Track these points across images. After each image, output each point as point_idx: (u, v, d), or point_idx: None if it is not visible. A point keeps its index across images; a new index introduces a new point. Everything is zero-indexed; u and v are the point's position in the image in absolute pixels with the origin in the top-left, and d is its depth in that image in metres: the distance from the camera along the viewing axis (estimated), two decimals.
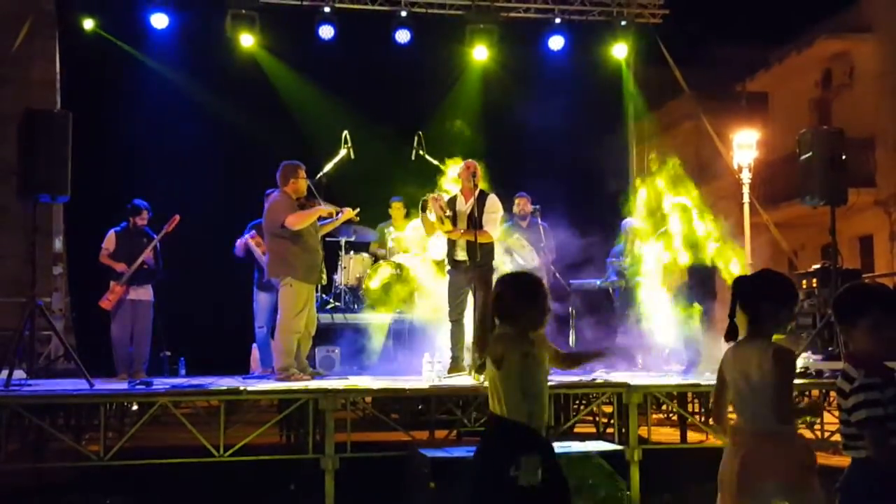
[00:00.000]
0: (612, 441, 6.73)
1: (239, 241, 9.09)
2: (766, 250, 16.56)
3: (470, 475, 3.55)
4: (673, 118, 22.99)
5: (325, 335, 8.83)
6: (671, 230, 8.51)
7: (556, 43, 11.83)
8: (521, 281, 3.72)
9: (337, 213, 7.89)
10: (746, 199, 16.03)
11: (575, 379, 7.31)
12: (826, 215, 8.60)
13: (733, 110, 19.39)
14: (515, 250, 9.08)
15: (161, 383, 7.12)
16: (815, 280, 12.37)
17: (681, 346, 8.87)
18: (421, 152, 8.99)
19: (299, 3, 11.32)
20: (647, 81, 13.06)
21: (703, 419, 8.23)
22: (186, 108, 10.41)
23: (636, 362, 9.46)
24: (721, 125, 15.22)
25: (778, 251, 14.53)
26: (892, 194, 17.36)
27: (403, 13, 11.46)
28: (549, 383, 7.03)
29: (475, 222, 7.52)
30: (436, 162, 8.91)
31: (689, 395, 8.67)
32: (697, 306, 8.39)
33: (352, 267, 9.60)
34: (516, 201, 9.53)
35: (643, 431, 7.12)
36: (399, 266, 9.39)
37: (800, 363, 8.06)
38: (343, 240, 9.51)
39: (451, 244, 7.77)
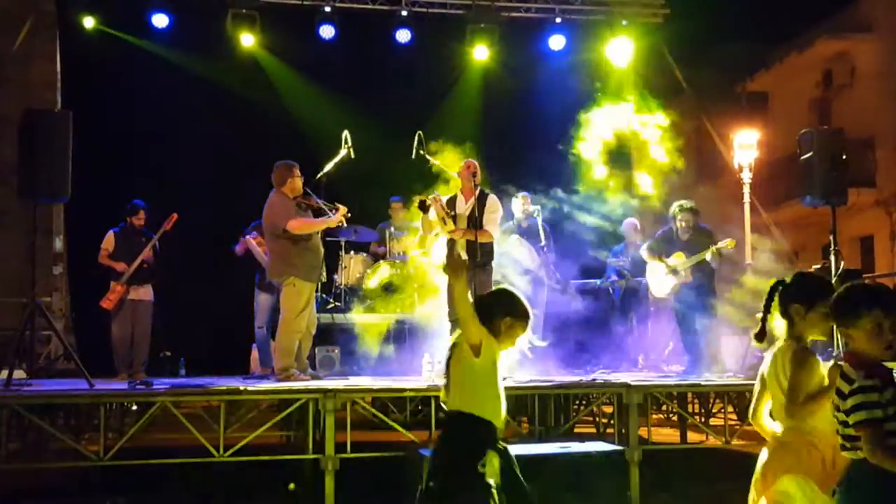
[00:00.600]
0: (612, 441, 6.73)
1: (240, 240, 9.07)
2: (767, 250, 16.57)
3: (436, 470, 3.55)
4: (673, 118, 22.98)
5: (324, 335, 8.83)
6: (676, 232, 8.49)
7: (556, 42, 11.82)
8: (512, 298, 3.87)
9: (333, 211, 7.90)
10: (747, 199, 16.02)
11: (575, 379, 7.32)
12: (826, 215, 8.61)
13: (734, 110, 19.39)
14: (514, 251, 9.08)
15: (161, 383, 7.12)
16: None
17: (681, 347, 8.87)
18: (421, 152, 8.98)
19: (300, 2, 11.31)
20: (647, 81, 13.05)
21: (702, 420, 8.23)
22: (187, 107, 10.40)
23: (636, 363, 9.48)
24: (721, 125, 15.22)
25: (778, 251, 14.52)
26: (892, 194, 17.36)
27: (404, 13, 11.46)
28: (549, 384, 7.07)
29: (475, 222, 7.51)
30: (436, 162, 8.90)
31: (690, 395, 8.68)
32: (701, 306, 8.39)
33: (352, 267, 9.60)
34: (519, 200, 9.51)
35: (643, 432, 7.12)
36: (398, 266, 9.39)
37: None
38: (343, 240, 9.51)
39: (451, 244, 7.76)
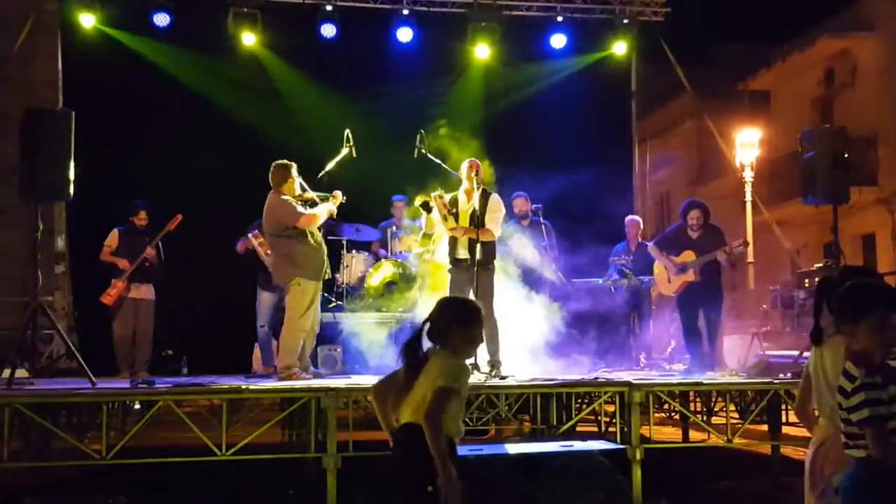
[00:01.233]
0: (613, 440, 6.73)
1: (242, 239, 9.05)
2: (769, 249, 16.58)
3: (395, 485, 3.55)
4: (675, 117, 23.01)
5: (327, 334, 8.82)
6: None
7: (558, 41, 11.81)
8: (457, 305, 3.80)
9: (327, 201, 7.92)
10: (749, 197, 16.06)
11: (577, 378, 7.31)
12: (828, 214, 8.60)
13: (735, 109, 19.38)
14: (516, 250, 9.08)
15: (163, 382, 7.12)
16: (817, 279, 12.40)
17: (684, 345, 8.87)
18: (423, 150, 8.99)
19: (301, 1, 11.31)
20: (649, 80, 13.06)
21: (704, 418, 8.22)
22: (188, 106, 10.41)
23: (638, 361, 9.48)
24: (723, 124, 15.21)
25: (780, 250, 14.52)
26: (894, 192, 17.34)
27: (405, 11, 11.46)
28: (551, 382, 7.07)
29: (477, 221, 7.51)
30: (438, 160, 8.91)
31: (692, 394, 8.67)
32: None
33: (354, 265, 9.59)
34: (514, 202, 9.51)
35: (645, 430, 7.11)
36: (401, 265, 9.39)
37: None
38: (345, 238, 9.51)
39: (453, 243, 7.77)
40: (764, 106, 21.52)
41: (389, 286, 9.27)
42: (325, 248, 7.78)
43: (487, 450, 5.64)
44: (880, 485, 3.01)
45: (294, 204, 7.55)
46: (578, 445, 5.92)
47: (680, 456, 7.73)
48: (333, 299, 9.38)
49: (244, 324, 9.16)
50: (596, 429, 8.39)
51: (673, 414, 9.61)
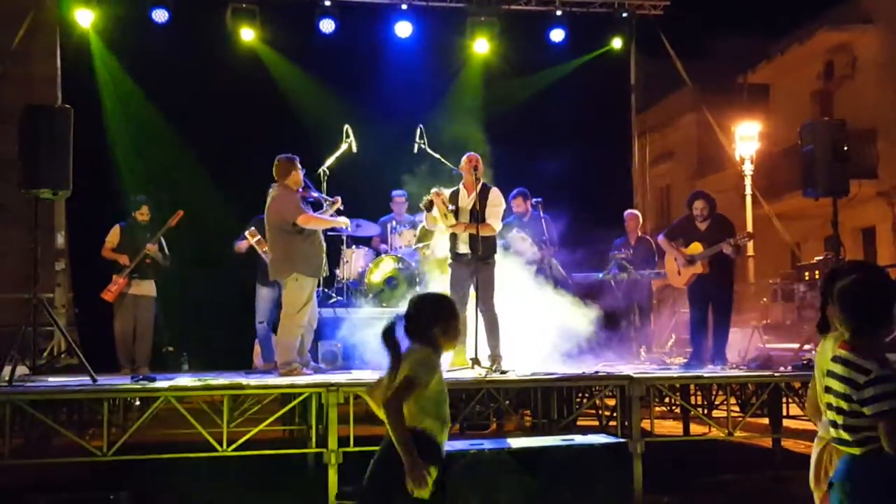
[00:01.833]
0: (614, 434, 6.73)
1: (239, 242, 9.02)
2: (769, 242, 16.57)
3: (377, 483, 3.58)
4: (674, 110, 23.00)
5: (327, 329, 8.83)
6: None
7: (557, 35, 11.79)
8: (437, 302, 3.78)
9: (327, 203, 7.91)
10: (749, 190, 16.05)
11: (578, 372, 7.32)
12: (828, 207, 8.60)
13: (735, 102, 19.38)
14: (515, 245, 9.08)
15: (164, 378, 7.12)
16: (817, 272, 12.40)
17: (688, 338, 8.86)
18: (422, 145, 8.98)
19: None
20: (648, 74, 13.04)
21: (705, 412, 8.23)
22: (187, 102, 10.39)
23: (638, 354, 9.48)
24: (723, 117, 15.20)
25: (780, 243, 14.52)
26: (894, 185, 17.34)
27: (404, 6, 11.43)
28: (552, 377, 7.07)
29: (477, 216, 7.51)
30: (437, 155, 8.90)
31: (692, 387, 8.67)
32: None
33: (354, 261, 9.59)
34: (513, 202, 9.49)
35: (646, 424, 7.12)
36: (401, 260, 9.39)
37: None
38: (345, 234, 9.50)
39: (454, 238, 7.76)
40: (763, 99, 21.51)
41: (390, 281, 9.27)
42: (324, 246, 7.79)
43: (489, 444, 5.64)
44: (887, 481, 2.98)
45: (298, 199, 7.56)
46: (579, 439, 5.92)
47: (681, 449, 7.75)
48: (334, 294, 9.38)
49: (245, 320, 9.15)
50: (597, 423, 8.40)
51: (674, 407, 9.63)
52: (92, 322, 9.66)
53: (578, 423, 7.99)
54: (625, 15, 11.88)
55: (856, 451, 3.03)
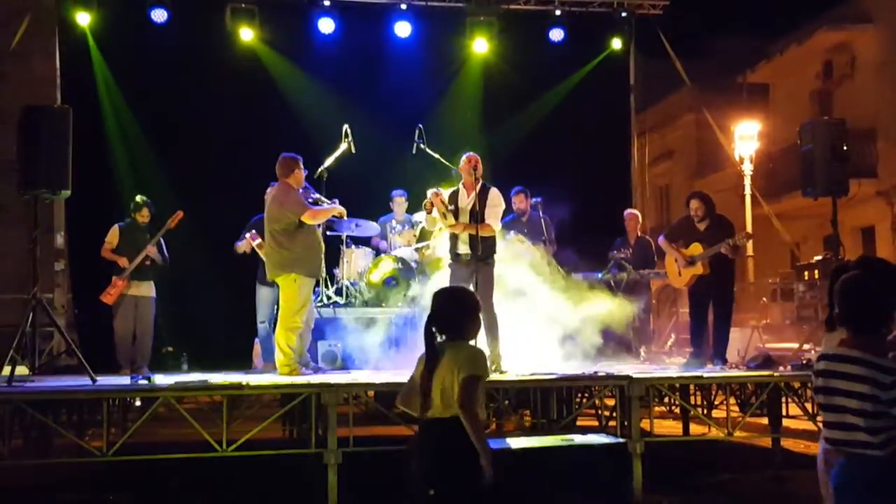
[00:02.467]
0: (614, 434, 6.74)
1: (242, 239, 9.02)
2: (768, 242, 16.58)
3: (429, 480, 3.60)
4: (674, 110, 23.00)
5: (327, 329, 8.83)
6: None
7: (556, 35, 11.78)
8: (461, 295, 3.99)
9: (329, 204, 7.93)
10: (748, 190, 16.05)
11: (577, 372, 7.31)
12: (828, 206, 8.60)
13: (734, 102, 19.39)
14: (514, 245, 9.07)
15: (164, 379, 7.12)
16: (817, 271, 12.41)
17: (688, 338, 8.86)
18: (422, 145, 8.98)
19: None
20: (647, 73, 13.03)
21: (705, 412, 8.23)
22: (186, 102, 10.39)
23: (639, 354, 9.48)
24: (722, 117, 15.20)
25: (780, 243, 14.52)
26: (893, 185, 17.34)
27: (403, 6, 11.43)
28: (552, 376, 7.07)
29: (477, 216, 7.51)
30: (436, 155, 8.90)
31: (692, 387, 8.67)
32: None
33: (353, 261, 9.58)
34: (513, 199, 9.50)
35: (645, 424, 7.12)
36: (400, 260, 9.39)
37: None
38: (344, 234, 9.50)
39: (454, 238, 7.76)
40: (763, 99, 21.51)
41: (389, 281, 9.26)
42: (323, 246, 7.78)
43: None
44: (879, 481, 2.95)
45: (300, 197, 7.56)
46: (579, 439, 5.92)
47: (680, 449, 7.75)
48: (333, 295, 9.38)
49: (244, 320, 9.15)
50: (596, 423, 8.40)
51: (673, 407, 9.63)
52: (91, 322, 9.65)
53: (578, 423, 7.98)
54: (624, 14, 11.87)
55: (878, 452, 2.96)
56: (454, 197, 7.79)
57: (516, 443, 5.69)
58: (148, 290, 8.83)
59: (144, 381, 6.68)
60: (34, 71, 12.31)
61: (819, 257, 13.06)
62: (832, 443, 3.13)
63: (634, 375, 6.83)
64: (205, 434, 6.19)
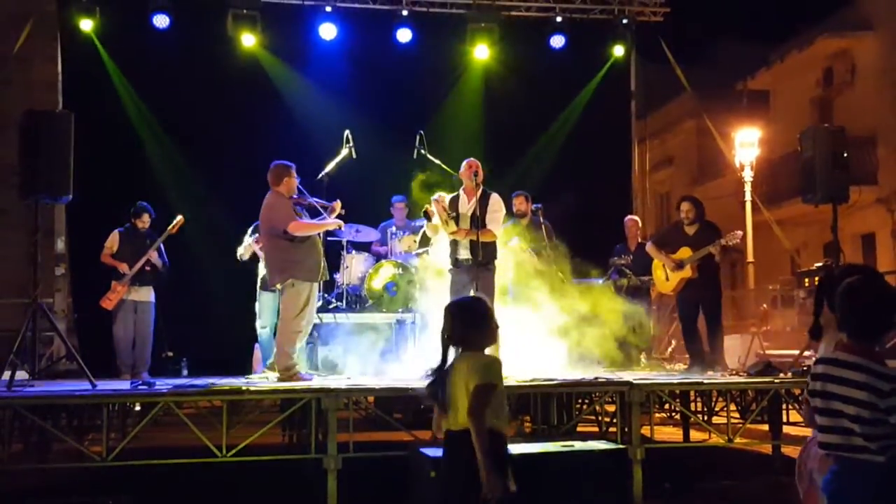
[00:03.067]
0: (614, 440, 6.72)
1: (244, 244, 9.00)
2: (769, 248, 16.58)
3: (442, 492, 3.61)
4: (674, 117, 23.02)
5: (327, 335, 8.82)
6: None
7: (557, 41, 11.80)
8: (472, 306, 3.93)
9: (327, 210, 7.90)
10: (748, 197, 16.05)
11: (577, 378, 7.31)
12: (828, 213, 8.60)
13: (735, 109, 19.40)
14: (515, 251, 9.07)
15: (163, 384, 7.12)
16: (817, 278, 12.41)
17: (684, 345, 8.86)
18: (422, 151, 8.98)
19: (300, 2, 11.32)
20: (648, 80, 13.05)
21: (705, 418, 8.22)
22: (188, 108, 10.41)
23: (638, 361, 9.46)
24: (722, 124, 15.22)
25: (780, 249, 14.53)
26: (894, 192, 17.34)
27: (405, 12, 11.46)
28: (552, 382, 7.06)
29: (478, 221, 7.51)
30: (437, 161, 8.90)
31: (692, 393, 8.66)
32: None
33: (354, 266, 9.58)
34: (514, 201, 9.51)
35: (646, 430, 7.11)
36: (401, 265, 9.38)
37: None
38: (345, 239, 9.51)
39: (455, 244, 7.76)
40: (763, 105, 21.52)
41: (390, 287, 9.26)
42: (321, 249, 7.77)
43: None
44: (874, 486, 2.95)
45: (290, 207, 7.53)
46: (579, 445, 5.91)
47: (681, 456, 7.73)
48: (334, 300, 9.37)
49: (244, 325, 9.16)
50: (597, 429, 8.39)
51: (674, 414, 9.61)
52: (91, 327, 9.66)
53: (578, 429, 7.97)
54: (625, 21, 11.89)
55: (879, 458, 2.95)
56: (455, 202, 7.80)
57: (516, 449, 5.69)
58: (148, 295, 8.83)
59: (144, 386, 6.68)
60: (36, 76, 12.35)
61: (819, 264, 13.06)
62: (827, 447, 3.11)
63: (635, 381, 6.82)
64: (204, 439, 6.18)
